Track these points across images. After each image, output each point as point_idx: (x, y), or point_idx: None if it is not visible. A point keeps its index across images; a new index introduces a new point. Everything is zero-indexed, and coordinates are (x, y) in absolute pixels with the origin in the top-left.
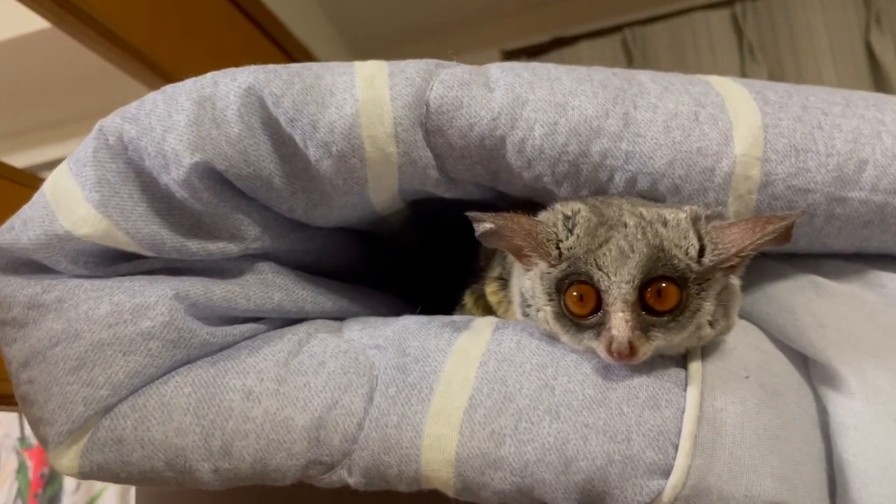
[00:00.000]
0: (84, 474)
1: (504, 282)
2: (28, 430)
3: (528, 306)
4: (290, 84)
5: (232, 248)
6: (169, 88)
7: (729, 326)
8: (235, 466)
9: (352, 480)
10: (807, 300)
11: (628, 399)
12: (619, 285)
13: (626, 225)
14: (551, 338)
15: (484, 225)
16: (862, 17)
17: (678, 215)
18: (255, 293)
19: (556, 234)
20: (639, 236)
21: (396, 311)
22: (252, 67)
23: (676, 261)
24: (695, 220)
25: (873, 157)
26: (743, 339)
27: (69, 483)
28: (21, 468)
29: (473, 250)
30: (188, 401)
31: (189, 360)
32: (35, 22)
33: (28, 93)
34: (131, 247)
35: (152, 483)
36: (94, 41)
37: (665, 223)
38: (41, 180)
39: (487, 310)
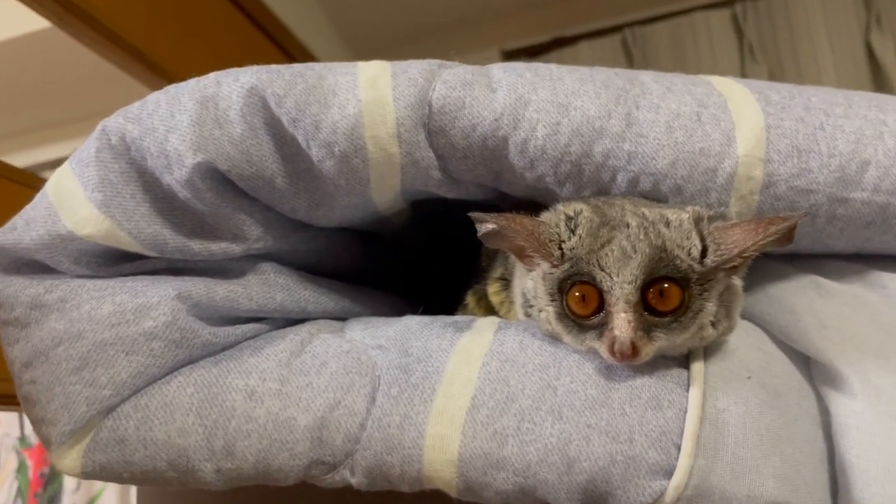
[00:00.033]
0: (87, 474)
1: (506, 282)
2: (28, 430)
3: (531, 307)
4: (293, 84)
5: (234, 248)
6: (172, 88)
7: (731, 327)
8: (238, 466)
9: (354, 480)
10: (808, 301)
11: (631, 399)
12: (621, 286)
13: (628, 225)
14: (553, 338)
15: (486, 225)
16: (862, 18)
17: (681, 216)
18: (258, 293)
19: (558, 234)
20: (641, 237)
21: (398, 312)
22: (255, 67)
23: (679, 261)
24: (697, 221)
25: (875, 157)
26: (745, 340)
27: (69, 482)
28: (21, 467)
29: (475, 250)
30: (191, 401)
31: (191, 360)
32: (36, 21)
33: (29, 92)
34: (134, 247)
35: (155, 483)
36: (94, 41)
37: (667, 224)
38: (42, 180)
39: (489, 310)
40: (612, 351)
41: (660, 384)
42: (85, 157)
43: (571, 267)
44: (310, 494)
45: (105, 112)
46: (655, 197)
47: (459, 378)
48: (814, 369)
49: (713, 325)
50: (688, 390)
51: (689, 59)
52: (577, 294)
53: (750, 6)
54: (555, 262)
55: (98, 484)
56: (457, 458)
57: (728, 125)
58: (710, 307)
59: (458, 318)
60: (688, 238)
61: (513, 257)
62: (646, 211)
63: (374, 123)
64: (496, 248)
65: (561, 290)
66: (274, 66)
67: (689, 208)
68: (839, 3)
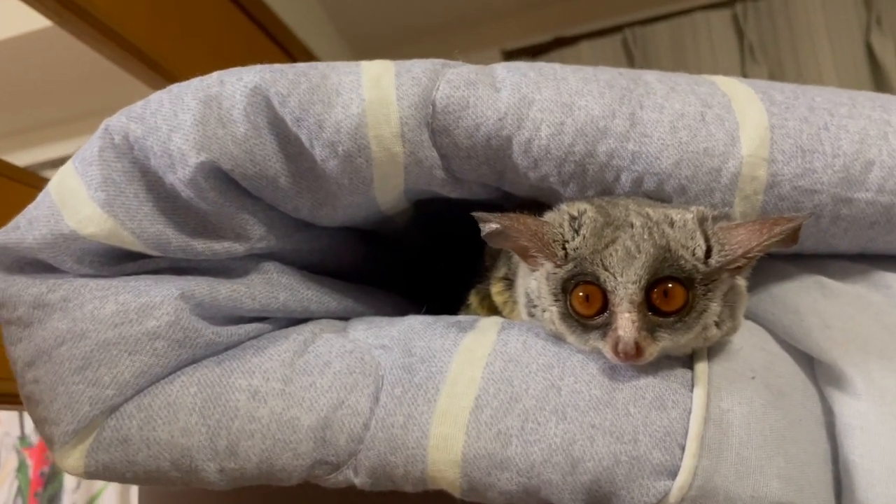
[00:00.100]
0: (90, 474)
1: (509, 282)
2: (28, 429)
3: (534, 307)
4: (297, 83)
5: (237, 247)
6: (175, 88)
7: (735, 327)
8: (241, 466)
9: (357, 480)
10: (812, 301)
11: (635, 400)
12: (625, 286)
13: (632, 225)
14: (557, 338)
15: (490, 225)
16: (863, 18)
17: (685, 216)
18: (261, 293)
19: (562, 234)
20: (645, 237)
21: (401, 311)
22: (258, 67)
23: (683, 261)
24: (702, 221)
25: (880, 157)
26: (749, 340)
27: (69, 482)
28: (21, 467)
29: (478, 250)
30: (194, 400)
31: (194, 360)
32: (36, 20)
33: (30, 91)
34: (137, 246)
35: (158, 483)
36: (95, 40)
37: (672, 224)
38: (43, 179)
39: (493, 310)
40: (615, 351)
41: (664, 384)
42: (88, 157)
43: (575, 267)
44: (313, 494)
45: (106, 111)
46: (659, 197)
47: (463, 378)
48: (817, 369)
49: (717, 325)
50: (692, 390)
51: (690, 60)
52: (580, 294)
53: (750, 6)
54: (558, 262)
55: (98, 483)
56: (460, 459)
57: (732, 125)
58: (715, 307)
59: (461, 317)
60: (692, 238)
61: (516, 257)
62: (650, 211)
63: (377, 123)
64: (500, 247)
65: (565, 290)
66: (277, 66)
67: (693, 208)
68: (839, 3)
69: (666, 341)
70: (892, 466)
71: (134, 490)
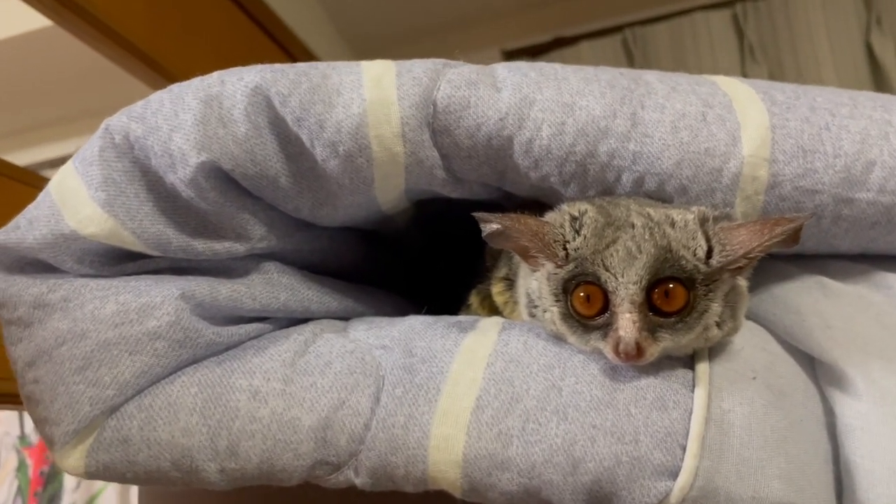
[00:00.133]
0: (90, 474)
1: (510, 282)
2: (28, 429)
3: (535, 307)
4: (297, 83)
5: (238, 247)
6: (175, 87)
7: (736, 327)
8: (242, 467)
9: (358, 481)
10: (813, 301)
11: (636, 400)
12: (626, 286)
13: (633, 226)
14: (558, 339)
15: (491, 225)
16: (862, 18)
17: (686, 216)
18: (261, 293)
19: (563, 234)
20: (646, 237)
21: (401, 311)
22: (259, 67)
23: (684, 262)
24: (703, 222)
25: (881, 158)
26: (750, 341)
27: (69, 481)
28: (21, 466)
29: (479, 250)
30: (194, 401)
31: (195, 360)
32: (36, 20)
33: (29, 91)
34: (137, 246)
35: (158, 483)
36: (95, 39)
37: (673, 224)
38: (43, 179)
39: (493, 310)
40: (616, 351)
41: (665, 385)
42: (88, 156)
43: (576, 267)
44: (313, 495)
45: (106, 110)
46: (660, 197)
47: (464, 378)
48: (818, 370)
49: (718, 325)
50: (693, 391)
51: (690, 60)
52: (581, 294)
53: (750, 6)
54: (559, 263)
55: (98, 483)
56: (461, 459)
57: (733, 125)
58: (716, 308)
59: (461, 318)
60: (693, 238)
61: (517, 257)
62: (651, 211)
63: (378, 123)
64: (500, 248)
65: (566, 290)
66: (278, 66)
67: (694, 209)
68: (839, 3)
69: (667, 342)
70: (892, 467)
71: (134, 490)
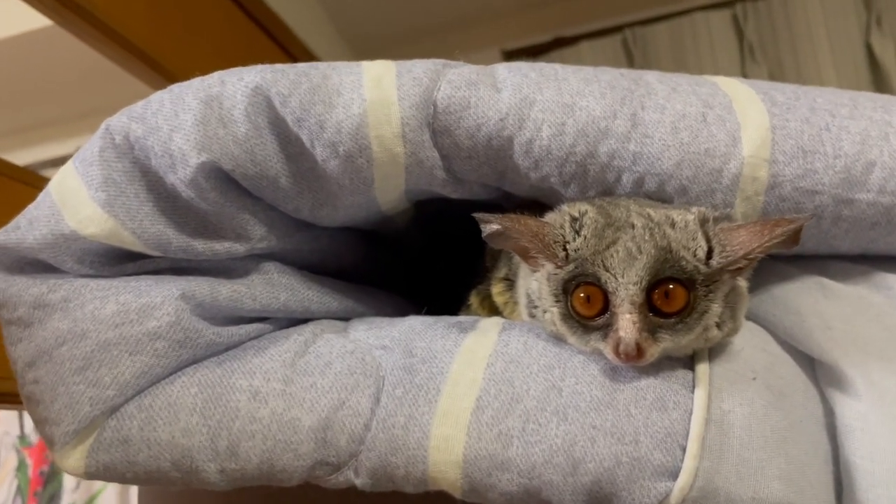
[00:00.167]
0: (90, 474)
1: (510, 282)
2: (28, 428)
3: (535, 307)
4: (298, 84)
5: (238, 247)
6: (175, 88)
7: (736, 328)
8: (242, 467)
9: (358, 481)
10: (813, 302)
11: (636, 401)
12: (626, 287)
13: (633, 226)
14: (558, 339)
15: (491, 226)
16: (862, 19)
17: (686, 217)
18: (261, 293)
19: (563, 235)
20: (646, 237)
21: (401, 312)
22: (259, 67)
23: (684, 262)
24: (703, 222)
25: (881, 158)
26: (750, 341)
27: (69, 481)
28: (21, 466)
29: (479, 250)
30: (194, 401)
31: (195, 361)
32: (37, 19)
33: (30, 90)
34: (137, 246)
35: (158, 483)
36: (95, 39)
37: (673, 225)
38: (43, 178)
39: (493, 310)
40: (616, 352)
41: (665, 385)
42: (88, 156)
43: (576, 268)
44: (313, 495)
45: (106, 110)
46: (660, 198)
47: (464, 379)
48: (818, 370)
49: (718, 326)
50: (693, 392)
51: (690, 60)
52: (581, 295)
53: (750, 7)
54: (559, 263)
55: (97, 483)
56: (461, 460)
57: (733, 126)
58: (716, 308)
59: (461, 318)
60: (693, 239)
61: (517, 258)
62: (651, 212)
63: (378, 123)
64: (500, 248)
65: (566, 290)
66: (278, 66)
67: (694, 209)
68: (839, 3)
69: (667, 342)
70: (892, 467)
71: (134, 490)
